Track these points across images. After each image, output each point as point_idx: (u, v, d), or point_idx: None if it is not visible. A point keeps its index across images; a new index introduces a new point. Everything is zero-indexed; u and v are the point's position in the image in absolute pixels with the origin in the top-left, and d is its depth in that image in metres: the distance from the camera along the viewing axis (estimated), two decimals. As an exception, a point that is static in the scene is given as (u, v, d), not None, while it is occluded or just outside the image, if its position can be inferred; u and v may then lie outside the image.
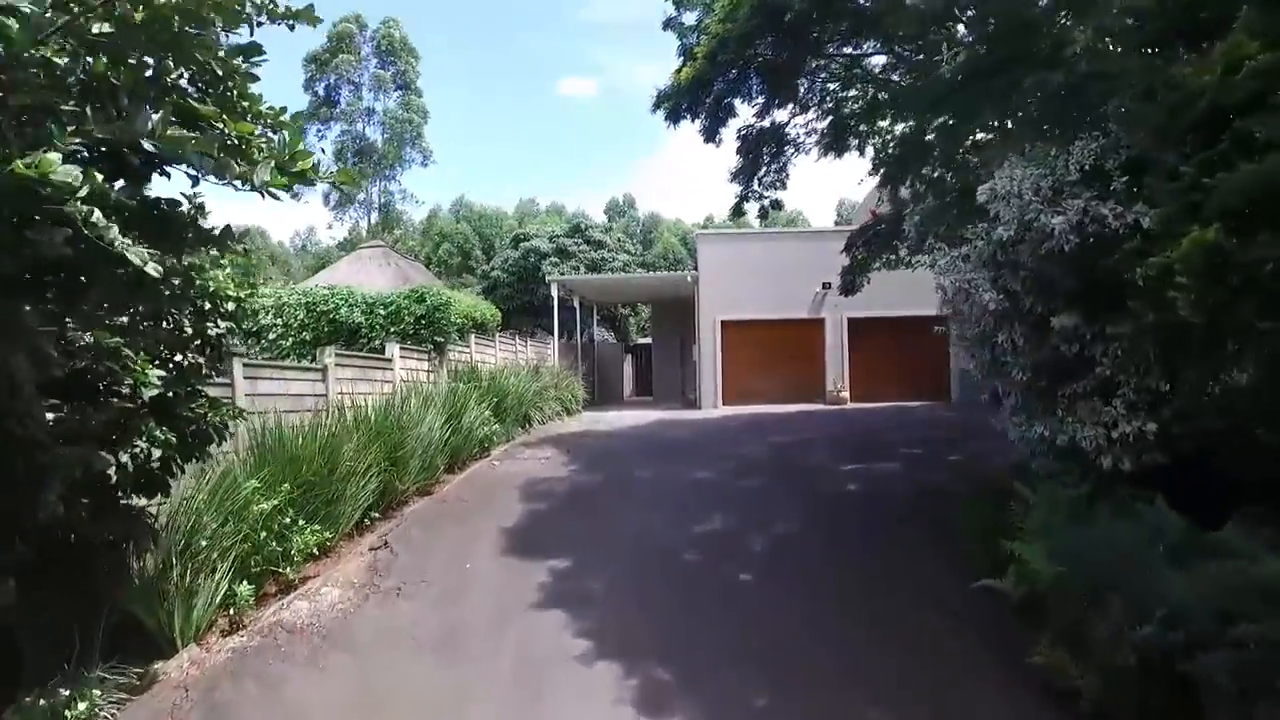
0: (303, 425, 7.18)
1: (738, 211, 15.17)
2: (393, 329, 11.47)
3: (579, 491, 9.27)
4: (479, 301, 16.43)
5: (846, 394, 20.58)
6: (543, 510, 8.41)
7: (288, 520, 5.95)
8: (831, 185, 79.57)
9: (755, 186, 14.76)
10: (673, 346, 27.22)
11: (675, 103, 12.51)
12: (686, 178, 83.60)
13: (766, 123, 13.93)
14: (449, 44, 75.22)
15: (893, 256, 17.58)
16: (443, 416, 9.77)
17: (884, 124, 16.28)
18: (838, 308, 20.85)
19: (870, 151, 16.63)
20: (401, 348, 10.94)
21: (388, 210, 45.10)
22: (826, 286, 20.92)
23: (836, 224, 38.46)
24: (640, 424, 16.07)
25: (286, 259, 58.58)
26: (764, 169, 14.60)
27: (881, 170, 16.83)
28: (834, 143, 15.23)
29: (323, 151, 41.31)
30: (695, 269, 22.35)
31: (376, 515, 7.76)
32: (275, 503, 5.87)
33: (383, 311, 11.51)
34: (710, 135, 13.30)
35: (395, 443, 8.27)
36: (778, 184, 14.92)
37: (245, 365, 7.17)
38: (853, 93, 15.78)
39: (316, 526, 6.25)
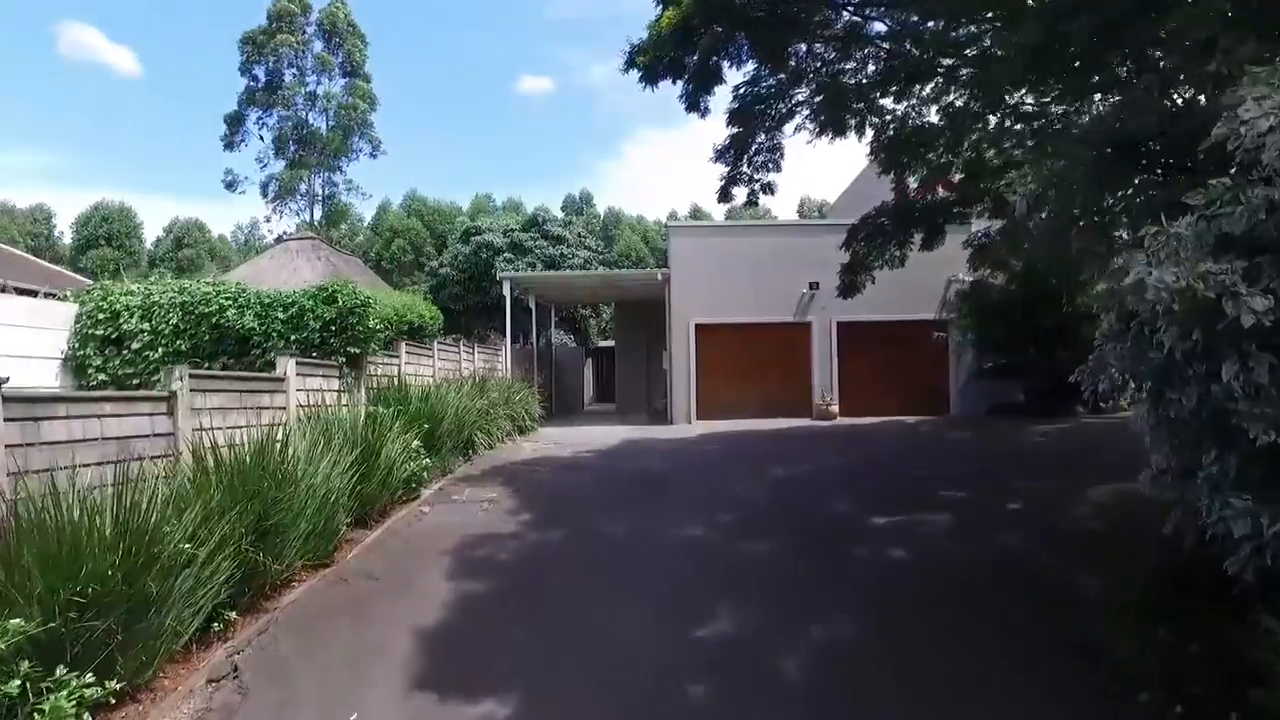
0: (102, 492, 4.67)
1: (724, 195, 12.90)
2: (294, 337, 8.94)
3: (530, 560, 6.88)
4: (415, 301, 13.94)
5: (836, 407, 18.47)
6: (479, 595, 6.01)
7: (17, 683, 3.47)
8: (794, 183, 77.88)
9: (744, 167, 12.51)
10: (638, 351, 24.93)
11: (654, 57, 10.15)
12: (647, 178, 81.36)
13: (766, 86, 11.69)
14: (401, 38, 72.05)
15: (897, 253, 15.53)
16: (351, 455, 7.34)
17: (887, 102, 14.33)
18: (826, 310, 18.78)
19: (869, 133, 14.65)
20: (300, 362, 8.42)
21: (332, 203, 42.02)
22: (814, 286, 18.82)
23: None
24: (606, 446, 13.72)
25: (228, 254, 55.15)
26: (755, 145, 12.36)
27: (881, 154, 14.85)
28: (831, 121, 13.10)
29: (261, 139, 38.35)
30: (665, 266, 20.05)
31: (235, 614, 5.30)
32: (-1, 649, 3.41)
33: (281, 315, 8.97)
34: (694, 102, 11.01)
35: (269, 502, 5.81)
36: (770, 164, 12.68)
37: (9, 401, 4.63)
38: (849, 65, 13.68)
39: (90, 678, 3.78)
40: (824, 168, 61.86)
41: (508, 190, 78.13)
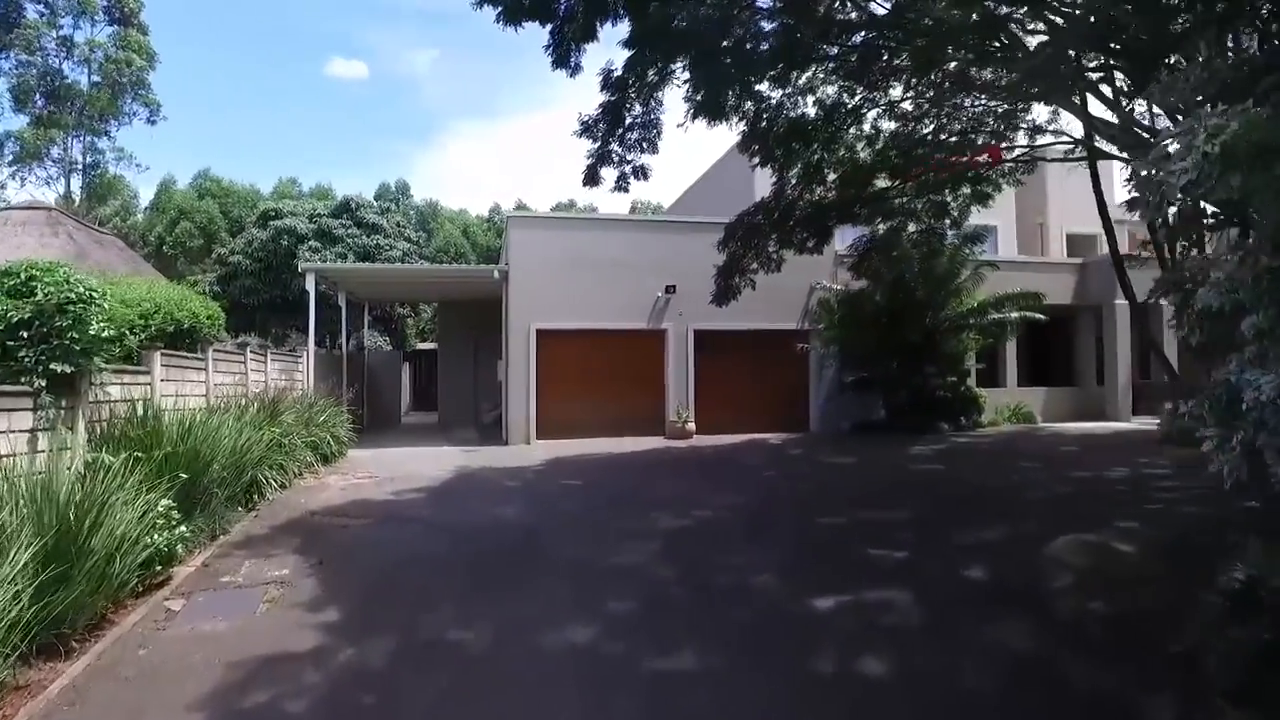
0: None
1: (591, 178, 10.76)
2: (-40, 347, 5.79)
3: (338, 707, 4.36)
4: (186, 295, 10.71)
5: (693, 425, 16.82)
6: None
7: None
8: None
9: (615, 145, 10.45)
10: (464, 356, 22.30)
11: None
12: (467, 172, 77.32)
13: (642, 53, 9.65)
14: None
15: (775, 254, 14.10)
16: (31, 545, 4.52)
17: (763, 87, 12.91)
18: (683, 317, 17.12)
19: (744, 122, 13.19)
20: (-42, 389, 5.35)
21: (97, 173, 35.56)
22: (670, 290, 17.10)
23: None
24: (435, 480, 11.16)
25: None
26: (630, 119, 10.30)
27: (755, 144, 13.39)
28: (709, 102, 11.33)
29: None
30: (495, 261, 17.60)
31: None
32: None
33: (-62, 312, 5.79)
34: (564, 55, 8.79)
35: None
36: (645, 144, 10.70)
37: None
38: (727, 43, 12.06)
39: None
40: (659, 171, 61.03)
41: (316, 176, 71.47)
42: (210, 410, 8.89)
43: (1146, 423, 18.33)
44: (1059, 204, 23.84)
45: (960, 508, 9.03)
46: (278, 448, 9.64)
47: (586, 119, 10.14)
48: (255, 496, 8.86)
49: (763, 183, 17.50)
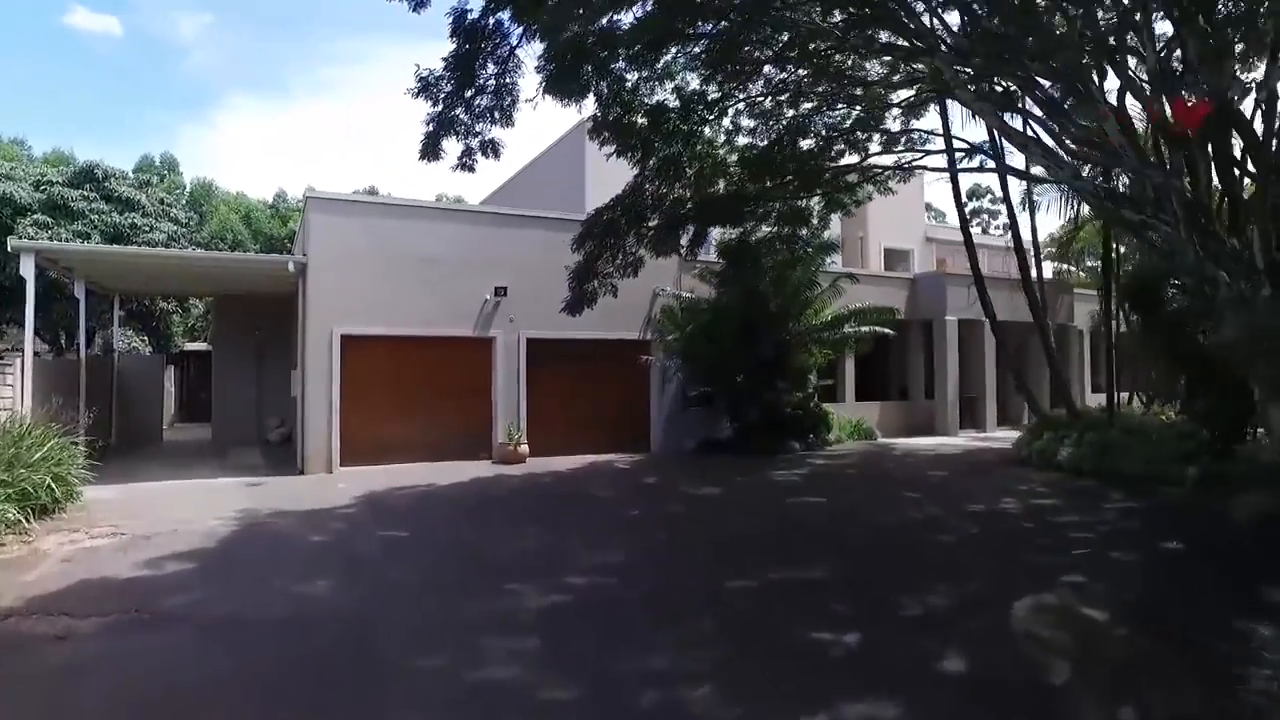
0: None
1: (431, 150, 8.58)
2: None
3: None
4: None
5: (525, 447, 14.81)
6: None
7: None
8: (431, 177, 72.43)
9: (462, 112, 8.30)
10: (246, 362, 18.97)
11: None
12: (245, 152, 69.15)
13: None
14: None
15: (635, 253, 12.50)
16: None
17: (619, 66, 11.25)
18: (514, 323, 15.10)
19: (596, 104, 11.48)
20: None
21: None
22: (500, 292, 15.00)
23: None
24: (210, 537, 8.43)
25: None
26: (482, 80, 8.18)
27: (606, 132, 11.74)
28: (561, 78, 9.46)
29: None
30: (303, 253, 14.64)
31: None
32: None
33: None
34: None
35: None
36: (497, 113, 8.63)
37: None
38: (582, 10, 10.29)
39: None
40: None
41: (53, 141, 60.98)
42: None
43: (976, 438, 18.72)
44: (877, 220, 24.24)
45: (878, 559, 7.80)
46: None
47: (427, 75, 7.88)
48: (-90, 591, 5.86)
49: (596, 180, 15.90)
